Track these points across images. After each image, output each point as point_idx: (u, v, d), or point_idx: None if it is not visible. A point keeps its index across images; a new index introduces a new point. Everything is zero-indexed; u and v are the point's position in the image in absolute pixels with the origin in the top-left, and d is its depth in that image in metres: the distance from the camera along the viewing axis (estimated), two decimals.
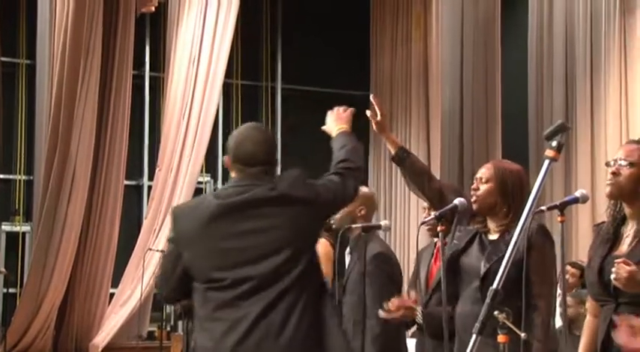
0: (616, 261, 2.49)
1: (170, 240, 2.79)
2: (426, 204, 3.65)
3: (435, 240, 3.60)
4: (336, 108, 3.21)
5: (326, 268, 4.31)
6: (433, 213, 3.20)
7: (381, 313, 3.39)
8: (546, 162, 2.03)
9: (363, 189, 4.19)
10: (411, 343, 3.88)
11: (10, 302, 7.38)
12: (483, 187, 3.08)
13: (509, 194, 3.05)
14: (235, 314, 2.60)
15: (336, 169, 2.92)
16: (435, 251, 3.59)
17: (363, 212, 3.99)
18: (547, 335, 2.84)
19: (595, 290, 2.68)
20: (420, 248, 3.78)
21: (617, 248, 2.65)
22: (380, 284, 3.71)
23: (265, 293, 2.60)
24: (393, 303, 3.34)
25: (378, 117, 3.30)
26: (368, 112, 3.31)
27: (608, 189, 2.64)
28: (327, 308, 2.69)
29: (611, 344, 2.60)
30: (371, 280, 3.76)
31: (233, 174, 2.74)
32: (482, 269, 2.95)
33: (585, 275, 2.75)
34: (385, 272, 3.74)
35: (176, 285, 2.75)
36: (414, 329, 3.63)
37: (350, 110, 3.15)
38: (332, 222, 3.99)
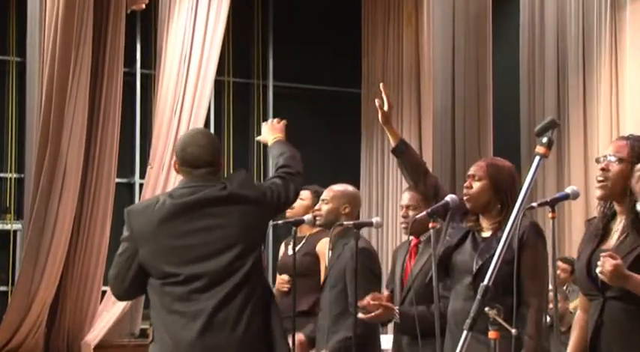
0: (602, 254, 2.50)
1: (125, 239, 2.90)
2: (404, 202, 3.68)
3: (411, 237, 3.63)
4: (270, 120, 3.47)
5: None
6: (425, 211, 3.21)
7: (360, 315, 3.41)
8: (537, 158, 2.04)
9: (348, 188, 4.21)
10: (386, 340, 3.91)
11: (0, 300, 7.37)
12: (476, 185, 3.09)
13: (502, 191, 3.07)
14: (192, 308, 2.74)
15: (278, 173, 3.10)
16: (409, 248, 3.61)
17: (347, 210, 4.03)
18: (539, 332, 2.86)
19: (583, 285, 2.69)
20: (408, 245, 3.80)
21: (605, 243, 2.66)
22: (363, 280, 3.73)
23: (219, 288, 2.75)
24: (371, 298, 3.36)
25: (386, 107, 3.35)
26: (377, 101, 3.36)
27: (598, 192, 2.66)
28: (274, 313, 2.88)
29: (600, 340, 2.61)
30: (352, 276, 3.79)
31: (181, 177, 2.91)
32: (475, 267, 2.96)
33: (575, 269, 2.77)
34: (368, 268, 3.77)
35: (131, 282, 2.86)
36: (390, 325, 3.65)
37: (284, 122, 3.44)
38: (318, 218, 4.01)
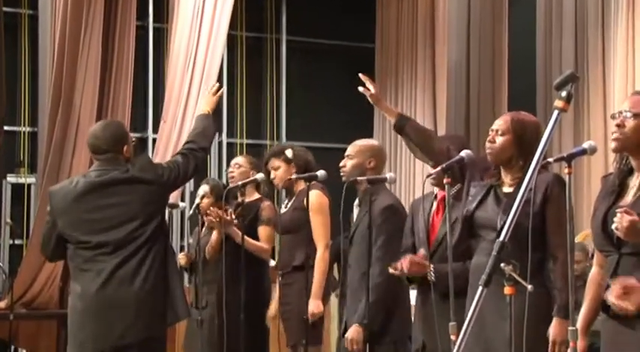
0: (617, 210, 2.48)
1: (48, 213, 3.60)
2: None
3: (436, 190, 3.58)
4: (210, 88, 4.05)
5: (320, 218, 4.35)
6: (440, 166, 3.18)
7: (390, 270, 3.39)
8: (555, 112, 2.00)
9: (371, 142, 4.20)
10: (411, 294, 3.90)
11: (16, 253, 7.43)
12: (499, 139, 3.06)
13: (526, 147, 3.03)
14: (98, 267, 3.43)
15: (182, 150, 3.75)
16: (436, 202, 3.57)
17: (372, 164, 3.99)
18: (567, 285, 2.84)
19: (599, 241, 2.68)
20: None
21: (622, 199, 2.64)
22: (388, 236, 3.72)
23: (121, 252, 3.44)
24: (405, 261, 3.33)
25: (372, 91, 3.28)
26: (360, 88, 3.30)
27: (613, 144, 2.63)
28: (171, 266, 3.55)
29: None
30: (379, 231, 3.76)
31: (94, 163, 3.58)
32: (499, 223, 2.94)
33: (590, 225, 2.75)
34: (394, 225, 3.75)
35: (54, 247, 3.57)
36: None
37: (218, 94, 3.99)
38: (342, 174, 4.00)
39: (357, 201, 4.02)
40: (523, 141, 3.02)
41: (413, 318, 3.70)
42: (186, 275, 5.24)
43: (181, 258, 5.04)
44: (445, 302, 3.13)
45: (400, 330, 3.78)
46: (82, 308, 3.44)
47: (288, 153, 4.59)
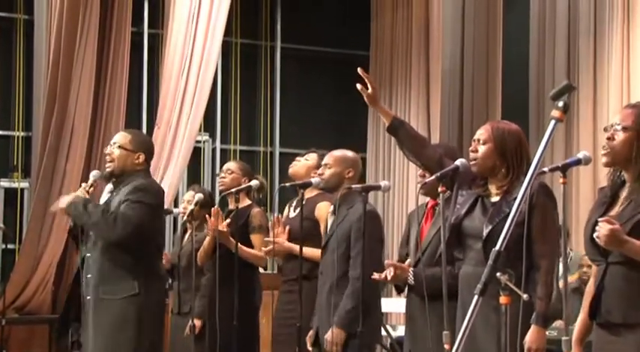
0: (599, 219, 2.50)
1: (157, 207, 3.83)
2: None
3: (427, 199, 3.61)
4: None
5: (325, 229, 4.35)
6: (435, 175, 3.18)
7: (375, 275, 3.42)
8: (552, 122, 2.02)
9: (350, 153, 4.22)
10: (400, 303, 3.92)
11: (8, 257, 7.41)
12: (482, 149, 3.07)
13: (508, 154, 3.04)
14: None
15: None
16: (426, 210, 3.60)
17: (350, 174, 4.06)
18: (550, 294, 2.86)
19: (588, 250, 2.71)
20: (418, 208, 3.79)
21: (612, 210, 2.66)
22: (366, 241, 3.74)
23: None
24: (388, 264, 3.36)
25: (369, 90, 3.27)
26: (358, 86, 3.28)
27: (603, 159, 2.65)
28: None
29: (600, 303, 2.62)
30: (357, 237, 3.80)
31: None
32: (485, 231, 2.95)
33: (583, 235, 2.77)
34: (371, 230, 3.79)
35: (151, 236, 3.82)
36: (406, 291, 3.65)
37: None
38: (318, 181, 4.03)
39: (331, 209, 4.04)
40: (505, 149, 3.04)
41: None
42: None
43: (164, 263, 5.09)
44: (423, 304, 3.18)
45: (370, 336, 3.81)
46: None
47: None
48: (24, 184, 7.72)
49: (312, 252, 4.25)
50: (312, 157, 4.59)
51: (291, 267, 4.49)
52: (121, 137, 3.99)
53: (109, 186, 4.01)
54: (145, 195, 3.77)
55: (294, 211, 4.55)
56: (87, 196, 3.89)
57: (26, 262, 6.94)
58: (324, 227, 4.27)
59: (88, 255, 3.83)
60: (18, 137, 7.79)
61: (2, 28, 7.40)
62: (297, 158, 4.73)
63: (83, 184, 3.97)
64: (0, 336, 6.11)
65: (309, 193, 4.40)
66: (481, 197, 3.09)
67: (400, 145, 3.31)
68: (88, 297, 3.78)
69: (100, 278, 3.73)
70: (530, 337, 2.87)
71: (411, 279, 3.37)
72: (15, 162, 7.80)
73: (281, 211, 4.99)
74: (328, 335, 3.77)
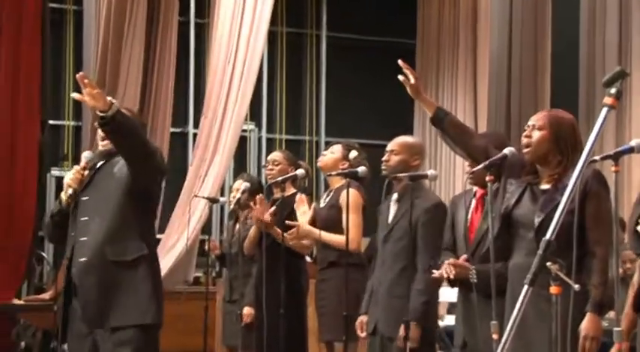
0: None
1: None
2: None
3: (475, 188, 3.55)
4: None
5: (354, 218, 4.35)
6: (483, 163, 3.14)
7: (435, 273, 3.37)
8: (604, 109, 1.97)
9: (416, 139, 4.18)
10: (446, 293, 3.89)
11: (59, 245, 7.52)
12: (536, 134, 3.02)
13: (563, 143, 3.00)
14: None
15: None
16: (475, 199, 3.54)
17: (417, 161, 3.97)
18: (605, 281, 2.80)
19: (632, 244, 2.66)
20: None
21: None
22: (434, 234, 3.70)
23: None
24: (449, 266, 3.30)
25: (412, 81, 3.22)
26: (400, 77, 3.24)
27: None
28: None
29: None
30: (425, 229, 3.75)
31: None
32: (537, 220, 2.91)
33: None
34: (439, 223, 3.72)
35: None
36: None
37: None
38: (384, 168, 3.98)
39: (394, 197, 3.99)
40: (560, 137, 2.99)
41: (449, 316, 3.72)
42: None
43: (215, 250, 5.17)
44: (487, 302, 3.10)
45: (436, 329, 3.81)
46: None
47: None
48: None
49: (330, 236, 4.36)
50: (337, 149, 4.60)
51: (322, 256, 4.51)
52: None
53: (87, 155, 3.55)
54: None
55: (324, 201, 4.58)
56: (81, 178, 3.42)
57: None
58: (354, 217, 4.26)
59: (76, 228, 3.35)
60: (68, 127, 7.92)
61: (53, 19, 7.51)
62: (323, 152, 4.76)
63: (75, 166, 3.51)
64: (53, 322, 6.22)
65: (338, 182, 4.42)
66: (530, 185, 3.05)
67: (443, 136, 3.26)
68: (74, 269, 3.33)
69: (107, 239, 3.28)
70: (586, 325, 2.83)
71: (473, 278, 3.30)
72: (65, 152, 7.93)
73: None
74: (403, 331, 3.72)
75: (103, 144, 3.52)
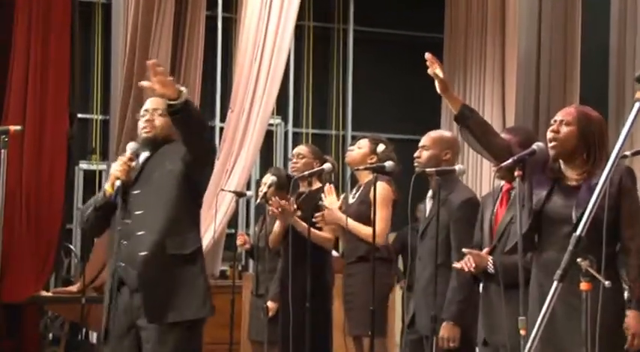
0: None
1: None
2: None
3: (502, 183, 3.54)
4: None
5: (381, 212, 4.33)
6: (512, 158, 3.12)
7: (456, 265, 3.36)
8: (636, 105, 1.95)
9: (447, 133, 4.15)
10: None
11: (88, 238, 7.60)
12: (564, 130, 2.99)
13: (590, 140, 2.97)
14: None
15: None
16: (500, 195, 3.52)
17: (448, 156, 3.95)
18: None
19: None
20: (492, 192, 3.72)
21: None
22: (468, 232, 3.67)
23: None
24: (470, 259, 3.29)
25: (441, 75, 3.18)
26: (430, 71, 3.20)
27: None
28: None
29: None
30: (459, 225, 3.72)
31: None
32: (575, 215, 2.89)
33: None
34: (472, 220, 3.69)
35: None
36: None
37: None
38: (416, 164, 3.96)
39: (430, 193, 3.97)
40: (587, 133, 2.97)
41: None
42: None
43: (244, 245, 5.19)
44: (506, 294, 3.09)
45: (474, 327, 3.76)
46: None
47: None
48: (102, 166, 7.90)
49: (356, 226, 4.37)
50: (364, 144, 4.60)
51: (350, 251, 4.51)
52: (161, 102, 3.29)
53: (133, 146, 3.47)
54: None
55: (354, 196, 4.57)
56: (128, 169, 3.37)
57: (104, 242, 7.10)
58: (383, 211, 4.24)
59: (128, 221, 3.33)
60: (96, 120, 7.97)
61: (81, 13, 7.55)
62: (350, 147, 4.76)
63: (120, 157, 3.45)
64: (80, 314, 6.28)
65: (367, 177, 4.42)
66: (557, 181, 3.03)
67: (465, 134, 3.21)
68: (123, 264, 3.29)
69: (166, 232, 3.25)
70: (632, 323, 2.81)
71: (490, 268, 3.29)
72: (93, 145, 7.99)
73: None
74: (443, 331, 3.67)
75: (146, 132, 3.45)
